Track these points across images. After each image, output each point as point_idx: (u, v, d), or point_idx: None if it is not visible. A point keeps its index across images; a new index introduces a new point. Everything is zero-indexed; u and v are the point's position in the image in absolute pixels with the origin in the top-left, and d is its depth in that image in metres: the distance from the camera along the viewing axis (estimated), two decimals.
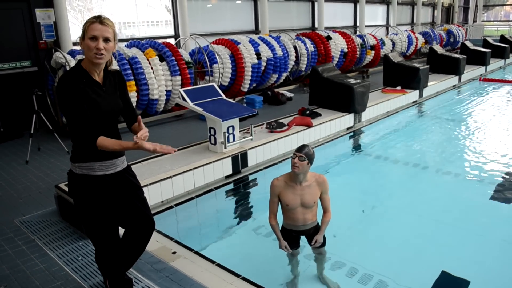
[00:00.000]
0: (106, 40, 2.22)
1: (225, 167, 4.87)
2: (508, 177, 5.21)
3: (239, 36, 8.98)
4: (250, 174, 5.16)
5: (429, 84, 9.59)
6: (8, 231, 3.71)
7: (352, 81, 7.05)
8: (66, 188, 3.71)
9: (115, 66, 6.22)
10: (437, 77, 10.71)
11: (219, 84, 8.03)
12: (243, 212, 4.66)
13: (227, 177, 4.96)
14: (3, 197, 4.48)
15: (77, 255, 3.29)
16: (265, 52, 8.80)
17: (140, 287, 2.87)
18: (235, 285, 2.86)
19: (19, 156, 5.73)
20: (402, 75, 9.05)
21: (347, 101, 6.83)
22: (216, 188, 4.75)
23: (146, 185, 3.97)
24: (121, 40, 8.26)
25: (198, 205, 4.46)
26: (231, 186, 4.90)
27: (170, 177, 4.25)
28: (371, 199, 4.76)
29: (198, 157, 4.79)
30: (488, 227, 4.10)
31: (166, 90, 7.07)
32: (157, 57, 7.00)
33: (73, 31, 7.28)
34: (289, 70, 9.71)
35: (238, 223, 4.34)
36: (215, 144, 5.00)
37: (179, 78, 7.14)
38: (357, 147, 6.71)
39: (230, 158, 4.90)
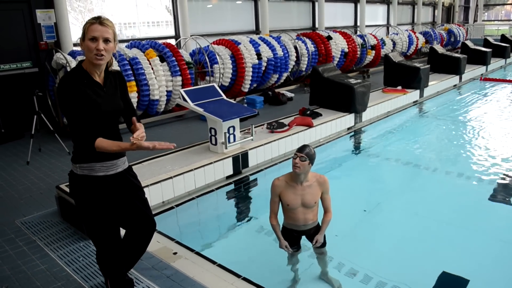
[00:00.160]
0: (106, 41, 2.22)
1: (226, 168, 4.87)
2: (508, 177, 5.20)
3: (239, 37, 8.98)
4: (251, 174, 5.15)
5: (429, 83, 9.58)
6: (9, 232, 3.72)
7: (352, 81, 7.05)
8: (67, 189, 3.72)
9: (115, 66, 6.22)
10: (437, 76, 10.70)
11: (220, 84, 8.04)
12: (244, 212, 4.67)
13: (228, 177, 4.96)
14: (4, 198, 4.48)
15: (78, 256, 3.29)
16: (266, 52, 8.80)
17: None
18: (236, 286, 2.86)
19: (20, 157, 5.74)
20: (402, 75, 9.04)
21: (348, 101, 6.83)
22: (217, 188, 4.75)
23: (147, 186, 3.97)
24: (122, 41, 8.26)
25: (199, 206, 4.46)
26: (231, 186, 4.90)
27: (171, 177, 4.26)
28: (371, 199, 4.75)
29: (198, 158, 4.79)
30: (488, 227, 4.10)
31: (166, 91, 7.08)
32: (157, 57, 7.00)
33: (74, 32, 7.29)
34: (289, 70, 9.71)
35: (239, 224, 4.34)
36: (215, 144, 5.00)
37: (179, 78, 7.14)
38: (358, 147, 6.71)
39: (230, 159, 4.90)
